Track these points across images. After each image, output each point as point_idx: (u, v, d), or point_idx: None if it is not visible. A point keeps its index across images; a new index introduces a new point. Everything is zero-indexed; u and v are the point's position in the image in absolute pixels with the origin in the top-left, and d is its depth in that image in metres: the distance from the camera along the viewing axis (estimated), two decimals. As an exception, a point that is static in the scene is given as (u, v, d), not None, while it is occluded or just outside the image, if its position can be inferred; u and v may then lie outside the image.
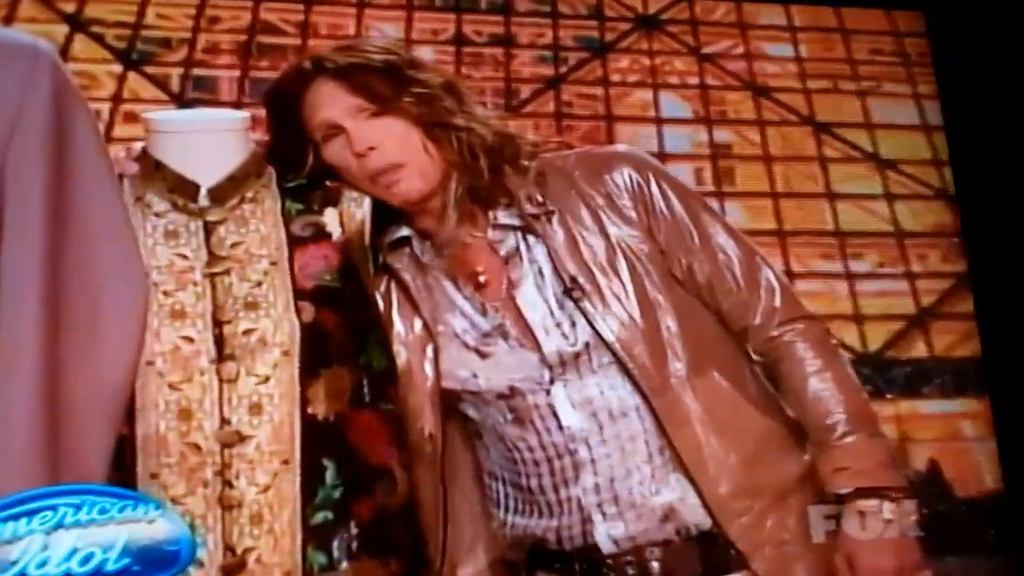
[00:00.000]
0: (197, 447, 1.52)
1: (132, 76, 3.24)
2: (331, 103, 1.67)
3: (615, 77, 3.49)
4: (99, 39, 3.24)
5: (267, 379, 1.56)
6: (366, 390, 1.63)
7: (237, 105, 2.96)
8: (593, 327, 1.64)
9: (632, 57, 3.54)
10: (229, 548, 1.51)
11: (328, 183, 1.74)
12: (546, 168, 1.74)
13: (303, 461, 1.55)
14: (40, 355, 1.19)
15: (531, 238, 1.70)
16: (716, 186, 3.43)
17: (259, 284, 1.61)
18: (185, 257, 1.61)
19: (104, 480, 1.21)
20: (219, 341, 1.57)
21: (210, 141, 1.68)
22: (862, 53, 3.87)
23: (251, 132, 1.74)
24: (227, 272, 1.61)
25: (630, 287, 1.66)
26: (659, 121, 3.48)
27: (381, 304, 1.73)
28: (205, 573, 1.49)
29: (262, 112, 1.76)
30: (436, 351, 1.70)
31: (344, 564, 1.55)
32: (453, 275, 1.73)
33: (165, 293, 1.58)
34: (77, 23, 3.25)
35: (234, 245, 1.63)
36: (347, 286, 1.66)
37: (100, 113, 3.03)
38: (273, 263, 1.63)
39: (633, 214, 1.71)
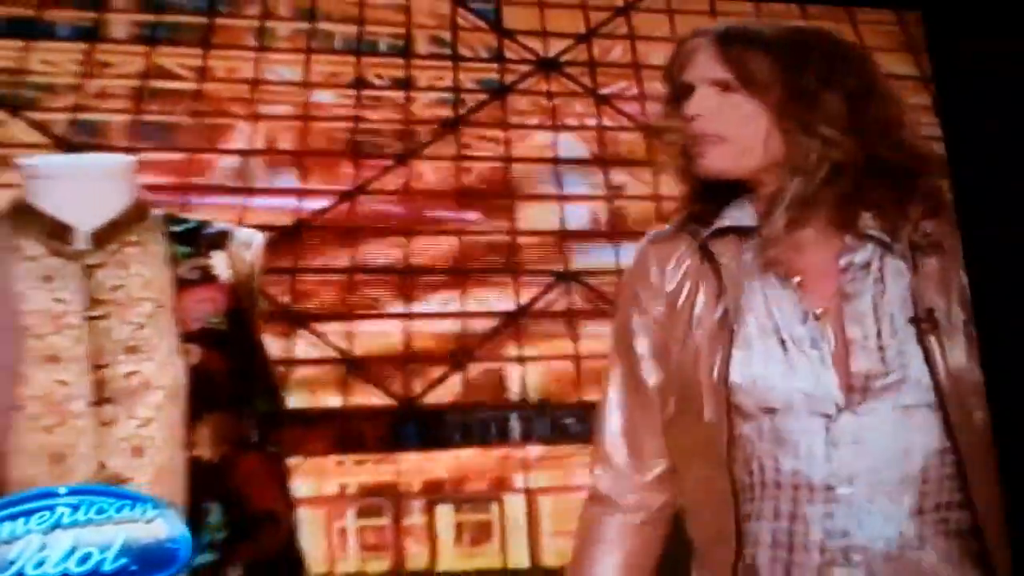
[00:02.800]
0: (71, 492, 1.54)
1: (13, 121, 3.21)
2: (694, 64, 1.71)
3: (514, 119, 3.64)
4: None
5: (149, 421, 1.63)
6: (253, 432, 1.73)
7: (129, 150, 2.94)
8: (929, 363, 1.60)
9: (531, 99, 3.68)
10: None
11: (216, 225, 1.83)
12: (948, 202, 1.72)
13: (187, 504, 1.61)
14: None
15: (889, 257, 1.66)
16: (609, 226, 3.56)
17: (141, 327, 1.68)
18: (62, 301, 1.68)
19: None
20: (98, 385, 1.64)
21: (91, 185, 1.76)
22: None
23: (137, 176, 1.82)
24: (106, 316, 1.68)
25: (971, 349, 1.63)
26: (556, 162, 3.62)
27: (688, 286, 1.70)
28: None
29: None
30: (730, 344, 1.64)
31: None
32: (776, 270, 1.67)
33: (37, 336, 1.65)
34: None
35: (114, 288, 1.70)
36: (235, 329, 1.73)
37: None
38: (159, 306, 1.70)
39: None
